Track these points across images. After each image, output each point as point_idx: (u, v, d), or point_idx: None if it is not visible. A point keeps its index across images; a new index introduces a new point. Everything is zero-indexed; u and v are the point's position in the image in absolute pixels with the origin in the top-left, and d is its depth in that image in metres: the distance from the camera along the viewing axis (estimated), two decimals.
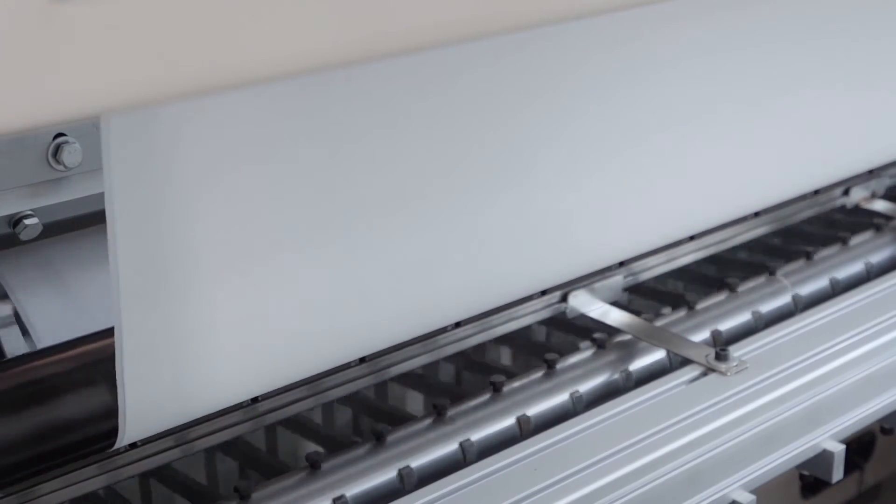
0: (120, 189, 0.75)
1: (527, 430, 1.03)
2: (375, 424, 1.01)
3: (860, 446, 1.24)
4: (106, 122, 0.72)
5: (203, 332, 0.86)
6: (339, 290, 0.93)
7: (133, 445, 0.93)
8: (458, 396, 1.06)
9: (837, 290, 1.27)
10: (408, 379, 1.11)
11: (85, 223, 1.02)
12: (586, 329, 1.17)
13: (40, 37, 0.51)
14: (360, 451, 0.98)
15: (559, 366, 1.10)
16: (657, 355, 1.13)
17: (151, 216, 0.79)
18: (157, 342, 0.83)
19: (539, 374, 1.09)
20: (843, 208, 1.41)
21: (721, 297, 1.23)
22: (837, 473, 1.02)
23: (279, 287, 0.89)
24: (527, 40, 0.94)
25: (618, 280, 1.19)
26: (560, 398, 1.07)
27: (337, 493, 0.94)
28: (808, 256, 1.30)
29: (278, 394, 0.99)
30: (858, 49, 1.24)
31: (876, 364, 1.09)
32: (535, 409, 1.05)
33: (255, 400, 0.98)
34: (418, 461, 0.98)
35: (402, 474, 0.96)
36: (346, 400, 1.07)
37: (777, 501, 1.16)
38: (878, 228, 1.37)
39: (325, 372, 1.01)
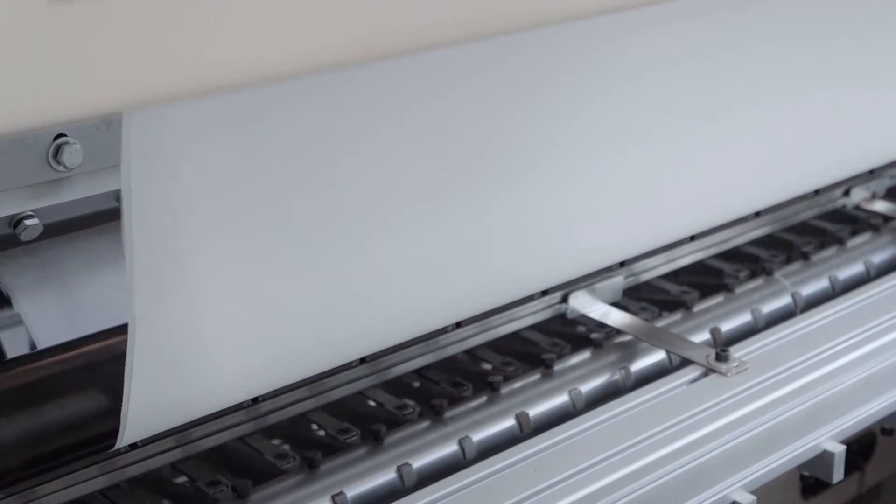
0: (137, 187, 0.75)
1: (527, 431, 1.03)
2: (374, 425, 1.01)
3: (860, 447, 1.24)
4: (127, 120, 0.72)
5: (204, 332, 0.86)
6: (340, 291, 0.93)
7: (133, 446, 0.93)
8: (457, 397, 1.06)
9: (838, 290, 1.27)
10: (407, 379, 1.11)
11: (85, 224, 1.02)
12: (586, 329, 1.17)
13: (40, 37, 0.51)
14: (359, 451, 0.98)
15: (560, 366, 1.10)
16: (657, 356, 1.13)
17: (160, 218, 0.79)
18: (163, 342, 0.83)
19: (539, 374, 1.09)
20: (843, 209, 1.41)
21: (721, 297, 1.23)
22: (838, 474, 1.02)
23: (280, 287, 0.89)
24: (527, 41, 0.94)
25: (618, 280, 1.19)
26: (560, 399, 1.07)
27: (335, 492, 0.94)
28: (808, 257, 1.30)
29: (279, 394, 0.99)
30: (858, 49, 1.24)
31: (876, 365, 1.09)
32: (535, 410, 1.05)
33: (255, 400, 0.98)
34: (417, 462, 0.98)
35: (402, 473, 0.96)
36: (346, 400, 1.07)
37: (777, 502, 1.16)
38: (878, 229, 1.37)
39: (326, 372, 1.01)
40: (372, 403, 1.11)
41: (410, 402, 1.06)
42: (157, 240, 0.79)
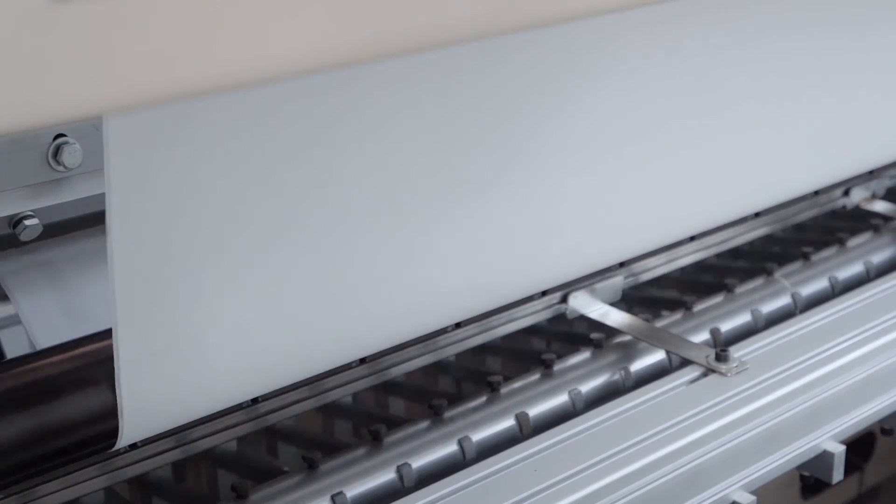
0: (120, 188, 0.75)
1: (527, 431, 1.03)
2: (373, 425, 1.01)
3: (860, 447, 1.24)
4: (107, 123, 0.72)
5: (203, 332, 0.86)
6: (339, 291, 0.93)
7: (133, 446, 0.93)
8: (456, 398, 1.06)
9: (837, 290, 1.27)
10: (407, 380, 1.11)
11: (85, 224, 1.02)
12: (586, 330, 1.17)
13: (40, 37, 0.51)
14: (359, 451, 0.98)
15: (560, 367, 1.10)
16: (657, 356, 1.13)
17: (151, 216, 0.79)
18: (156, 342, 0.83)
19: (539, 375, 1.09)
20: (843, 209, 1.41)
21: (721, 297, 1.23)
22: (838, 474, 1.02)
23: (279, 288, 0.89)
24: (526, 41, 0.94)
25: (618, 281, 1.19)
26: (560, 399, 1.07)
27: (335, 492, 0.94)
28: (808, 257, 1.30)
29: (278, 394, 0.99)
30: (859, 49, 1.24)
31: (876, 365, 1.09)
32: (535, 411, 1.05)
33: (255, 401, 0.98)
34: (417, 462, 0.98)
35: (402, 473, 0.96)
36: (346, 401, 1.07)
37: (777, 502, 1.16)
38: (878, 229, 1.37)
39: (326, 373, 1.01)
40: (371, 403, 1.11)
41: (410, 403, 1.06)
42: (150, 239, 0.79)
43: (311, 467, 0.96)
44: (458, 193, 0.97)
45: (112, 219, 0.76)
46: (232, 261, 0.85)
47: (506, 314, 1.12)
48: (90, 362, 0.92)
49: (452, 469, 0.95)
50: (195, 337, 0.86)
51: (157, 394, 0.85)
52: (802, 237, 1.37)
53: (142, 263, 0.79)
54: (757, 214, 1.31)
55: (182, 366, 0.86)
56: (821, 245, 1.33)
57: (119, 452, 0.92)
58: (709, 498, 0.95)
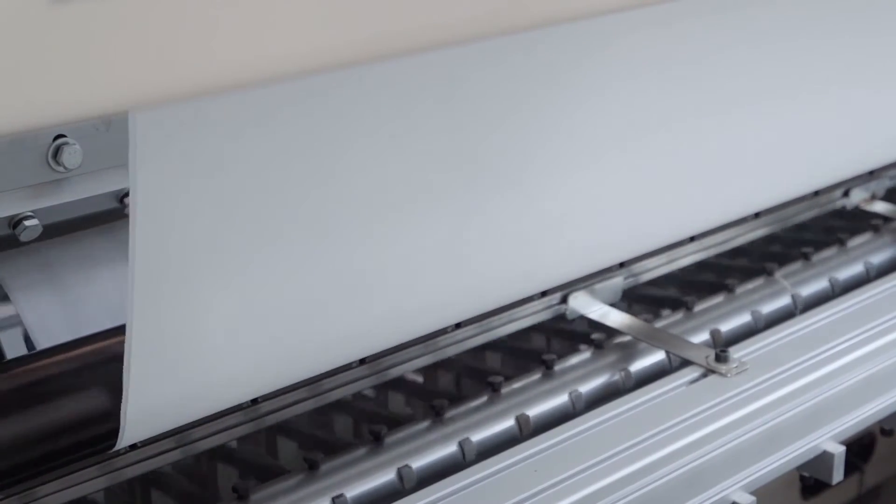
0: (146, 185, 0.75)
1: (527, 431, 1.03)
2: (373, 426, 1.01)
3: (860, 448, 1.24)
4: (133, 118, 0.72)
5: (206, 332, 0.86)
6: (339, 292, 0.93)
7: (133, 446, 0.93)
8: (457, 398, 1.06)
9: (837, 291, 1.27)
10: (406, 380, 1.11)
11: (85, 224, 1.02)
12: (586, 330, 1.17)
13: (41, 37, 0.51)
14: (359, 452, 0.98)
15: (559, 367, 1.10)
16: (657, 356, 1.13)
17: (163, 218, 0.79)
18: (165, 342, 0.83)
19: (538, 375, 1.09)
20: (843, 209, 1.41)
21: (720, 298, 1.23)
22: (837, 475, 1.02)
23: (279, 288, 0.89)
24: (526, 41, 0.94)
25: (618, 281, 1.19)
26: (560, 400, 1.07)
27: (335, 493, 0.94)
28: (808, 258, 1.30)
29: (279, 395, 0.99)
30: (858, 49, 1.24)
31: (876, 365, 1.09)
32: (534, 411, 1.05)
33: (255, 401, 0.98)
34: (417, 463, 0.98)
35: (402, 474, 0.96)
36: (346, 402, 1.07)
37: (777, 503, 1.16)
38: (878, 230, 1.37)
39: (326, 373, 1.01)
40: (371, 404, 1.11)
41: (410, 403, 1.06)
42: (157, 240, 0.79)
43: (311, 468, 0.96)
44: (458, 194, 0.97)
45: (136, 216, 0.75)
46: (232, 261, 0.85)
47: (506, 314, 1.12)
48: (90, 363, 0.92)
49: (452, 470, 0.95)
50: (198, 337, 0.86)
51: (160, 394, 0.85)
52: (802, 238, 1.37)
53: (154, 266, 0.79)
54: (757, 215, 1.31)
55: (184, 366, 0.86)
56: (820, 246, 1.33)
57: (119, 453, 0.92)
58: (709, 498, 0.95)
